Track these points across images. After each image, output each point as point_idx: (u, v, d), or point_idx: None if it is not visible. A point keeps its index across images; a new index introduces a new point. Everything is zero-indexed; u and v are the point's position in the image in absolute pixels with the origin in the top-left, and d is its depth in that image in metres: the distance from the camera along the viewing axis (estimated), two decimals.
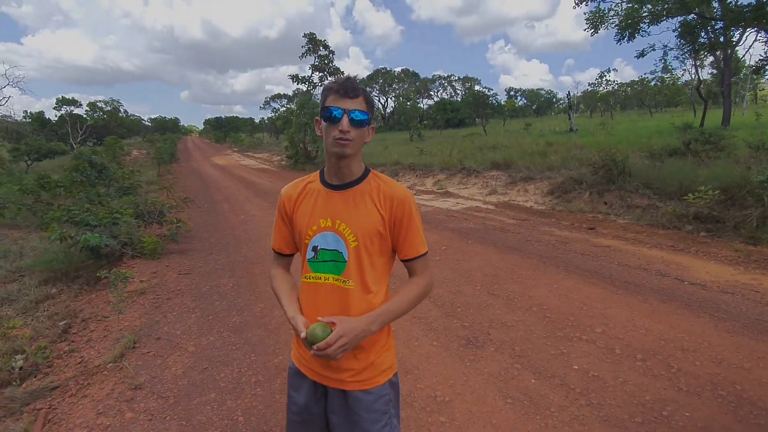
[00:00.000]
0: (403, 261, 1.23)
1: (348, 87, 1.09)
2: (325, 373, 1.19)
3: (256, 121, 75.81)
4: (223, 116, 78.83)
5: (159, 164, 19.37)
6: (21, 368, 3.18)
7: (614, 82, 47.47)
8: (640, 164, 7.81)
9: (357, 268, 1.15)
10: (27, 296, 4.85)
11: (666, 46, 16.32)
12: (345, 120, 1.08)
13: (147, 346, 3.29)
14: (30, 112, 37.99)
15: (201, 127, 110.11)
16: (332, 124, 1.10)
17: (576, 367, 2.65)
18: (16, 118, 23.84)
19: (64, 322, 4.11)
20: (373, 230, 1.14)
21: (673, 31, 14.08)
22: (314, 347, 1.04)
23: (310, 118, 17.06)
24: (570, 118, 22.95)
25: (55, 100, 39.57)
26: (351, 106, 1.09)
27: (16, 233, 8.00)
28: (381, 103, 61.20)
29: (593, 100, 50.48)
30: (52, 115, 38.42)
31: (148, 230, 6.86)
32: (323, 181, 1.22)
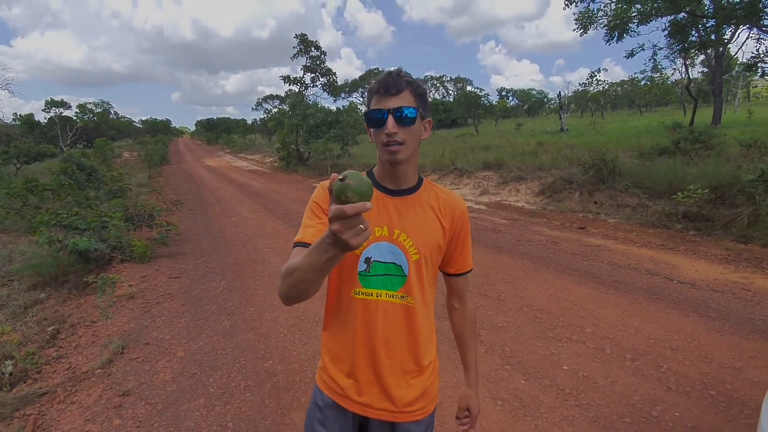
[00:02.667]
0: (450, 275, 1.16)
1: (389, 84, 0.97)
2: (372, 402, 1.05)
3: (249, 122, 75.49)
4: (215, 117, 78.32)
5: (150, 166, 19.18)
6: (11, 374, 3.13)
7: (604, 81, 48.00)
8: (630, 164, 7.88)
9: (418, 284, 1.04)
10: (16, 301, 4.77)
11: (655, 45, 16.47)
12: (390, 121, 0.95)
13: (135, 352, 3.25)
14: (19, 115, 37.47)
15: (193, 128, 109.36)
16: (378, 128, 0.98)
17: (566, 368, 2.66)
18: (5, 121, 23.51)
19: (52, 327, 4.05)
20: (434, 243, 1.05)
21: (663, 30, 14.22)
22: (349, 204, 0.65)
23: (301, 120, 17.00)
24: (561, 118, 23.14)
25: (45, 102, 39.07)
26: (395, 103, 0.96)
27: (6, 237, 7.87)
28: None
29: (584, 100, 50.94)
30: (41, 117, 37.93)
31: (137, 233, 6.79)
32: (377, 185, 1.07)
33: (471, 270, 1.16)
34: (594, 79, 44.47)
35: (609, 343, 2.94)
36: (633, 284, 3.95)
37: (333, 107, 18.77)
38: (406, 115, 0.96)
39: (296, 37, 19.04)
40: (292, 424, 2.30)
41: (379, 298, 1.03)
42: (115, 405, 2.57)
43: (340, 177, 0.67)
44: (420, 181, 1.09)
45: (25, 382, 3.04)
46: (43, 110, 39.09)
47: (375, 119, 0.98)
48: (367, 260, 1.04)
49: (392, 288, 1.03)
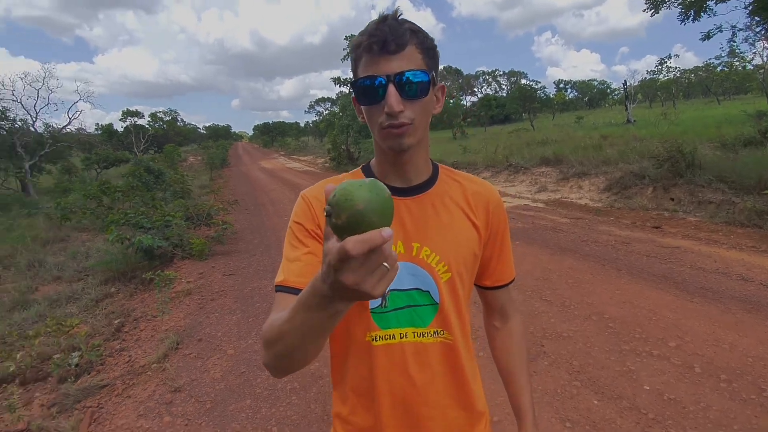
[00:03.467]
0: (487, 289, 0.88)
1: (385, 36, 0.64)
2: None
3: (302, 125, 78.14)
4: (270, 122, 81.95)
5: (211, 169, 20.35)
6: (77, 365, 3.32)
7: (676, 68, 43.92)
8: (711, 155, 7.01)
9: (455, 311, 0.77)
10: (89, 295, 5.14)
11: (734, 26, 14.69)
12: (392, 93, 0.65)
13: (189, 348, 3.32)
14: (100, 125, 41.54)
15: (251, 132, 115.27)
16: (373, 104, 0.68)
17: (647, 388, 2.31)
18: (88, 131, 26.08)
19: (118, 320, 4.29)
20: (468, 252, 0.77)
21: (745, 8, 12.63)
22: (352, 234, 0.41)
23: (351, 120, 17.16)
24: (627, 109, 21.41)
25: (121, 113, 43.00)
26: (397, 66, 0.65)
27: (85, 235, 8.64)
28: None
29: (652, 89, 46.93)
30: (119, 126, 41.77)
31: (196, 232, 7.12)
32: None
33: (514, 280, 0.88)
34: (664, 66, 40.83)
35: (698, 360, 2.53)
36: (723, 291, 3.42)
37: None
38: (415, 82, 0.66)
39: (346, 38, 19.27)
40: None
41: (404, 339, 0.74)
42: (166, 401, 2.61)
43: (334, 192, 0.42)
44: (435, 171, 0.81)
45: (89, 374, 3.21)
46: (120, 120, 43.11)
47: (367, 91, 0.68)
48: None
49: (421, 323, 0.75)
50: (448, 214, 0.77)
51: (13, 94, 18.05)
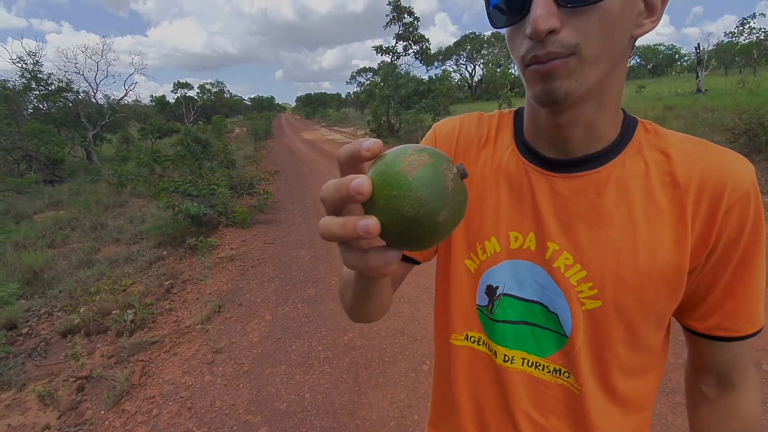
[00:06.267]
0: (697, 335, 0.53)
1: None
2: None
3: (343, 96, 77.88)
4: (312, 93, 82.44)
5: (255, 140, 20.86)
6: (132, 321, 3.57)
7: (760, 30, 38.90)
8: None
9: (595, 357, 0.52)
10: (143, 257, 5.49)
11: None
12: (539, 2, 0.40)
13: (230, 311, 3.45)
14: (154, 96, 43.59)
15: (293, 104, 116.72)
16: (512, 22, 0.45)
17: None
18: (143, 102, 27.42)
19: (168, 282, 4.55)
20: (650, 275, 0.48)
21: None
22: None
23: (393, 90, 16.78)
24: (698, 77, 19.38)
25: (173, 85, 44.76)
26: None
27: (141, 201, 9.20)
28: (468, 72, 58.37)
29: (730, 54, 42.12)
30: (171, 97, 43.62)
31: (240, 201, 7.34)
32: (523, 146, 0.55)
33: (758, 332, 0.51)
34: (746, 27, 36.32)
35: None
36: None
37: (425, 77, 18.18)
38: None
39: (389, 3, 18.60)
40: (368, 405, 2.18)
41: (509, 364, 0.55)
42: (208, 361, 2.73)
43: (375, 168, 0.30)
44: (627, 135, 0.51)
45: (142, 330, 3.43)
46: (171, 91, 44.95)
47: (502, 2, 0.45)
48: (490, 290, 0.56)
49: (538, 352, 0.54)
50: (625, 210, 0.49)
51: (75, 67, 19.19)
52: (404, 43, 19.21)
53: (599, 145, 0.50)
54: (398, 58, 19.48)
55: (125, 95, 21.80)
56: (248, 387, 2.43)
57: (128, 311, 3.64)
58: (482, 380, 0.58)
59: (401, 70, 19.02)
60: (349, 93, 72.22)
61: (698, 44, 20.66)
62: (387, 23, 18.98)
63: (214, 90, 54.50)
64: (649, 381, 0.54)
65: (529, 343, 0.54)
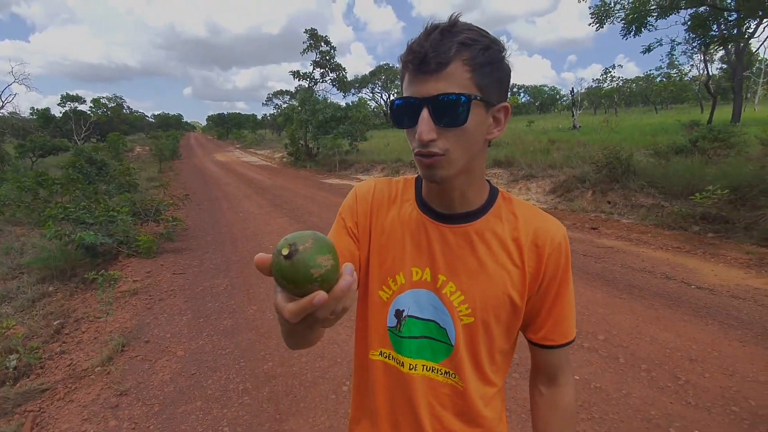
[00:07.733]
0: (534, 345, 0.76)
1: (426, 51, 0.57)
2: None
3: (259, 117, 75.87)
4: (225, 113, 78.92)
5: (161, 161, 19.33)
6: (15, 368, 3.13)
7: (619, 78, 47.09)
8: (645, 162, 7.65)
9: (472, 360, 0.72)
10: (25, 294, 4.79)
11: (673, 40, 16.04)
12: (424, 118, 0.59)
13: (136, 350, 3.21)
14: (36, 109, 38.16)
15: (204, 123, 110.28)
16: (408, 127, 0.63)
17: (577, 378, 2.54)
18: (22, 115, 23.90)
19: (57, 321, 4.04)
20: (502, 300, 0.70)
21: (683, 24, 13.81)
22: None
23: (310, 115, 16.94)
24: (573, 115, 22.72)
25: (60, 97, 39.70)
26: (434, 87, 0.58)
27: (19, 230, 7.96)
28: (383, 100, 60.96)
29: (597, 97, 50.07)
30: (57, 111, 38.55)
31: (144, 228, 6.79)
32: (421, 204, 0.74)
33: (572, 341, 0.75)
34: (608, 75, 43.64)
35: (623, 351, 2.80)
36: (648, 289, 3.79)
37: (342, 103, 18.66)
38: (450, 107, 0.58)
39: (306, 32, 18.95)
40: (290, 431, 2.22)
41: (413, 371, 0.73)
42: (112, 405, 2.53)
43: (284, 251, 0.40)
44: (491, 201, 0.73)
45: (28, 377, 3.03)
46: (58, 104, 39.82)
47: (401, 112, 0.62)
48: (399, 314, 0.73)
49: (433, 358, 0.73)
50: (487, 253, 0.70)
51: None
52: (321, 70, 19.60)
53: (473, 206, 0.71)
54: (315, 84, 19.77)
55: (1, 107, 18.85)
56: (159, 428, 2.31)
57: (11, 357, 3.19)
58: (393, 387, 0.75)
59: (318, 95, 19.32)
60: (265, 114, 70.56)
61: (572, 88, 24.29)
62: (304, 50, 19.25)
63: (112, 105, 49.46)
64: (504, 369, 0.78)
65: (427, 353, 0.72)
